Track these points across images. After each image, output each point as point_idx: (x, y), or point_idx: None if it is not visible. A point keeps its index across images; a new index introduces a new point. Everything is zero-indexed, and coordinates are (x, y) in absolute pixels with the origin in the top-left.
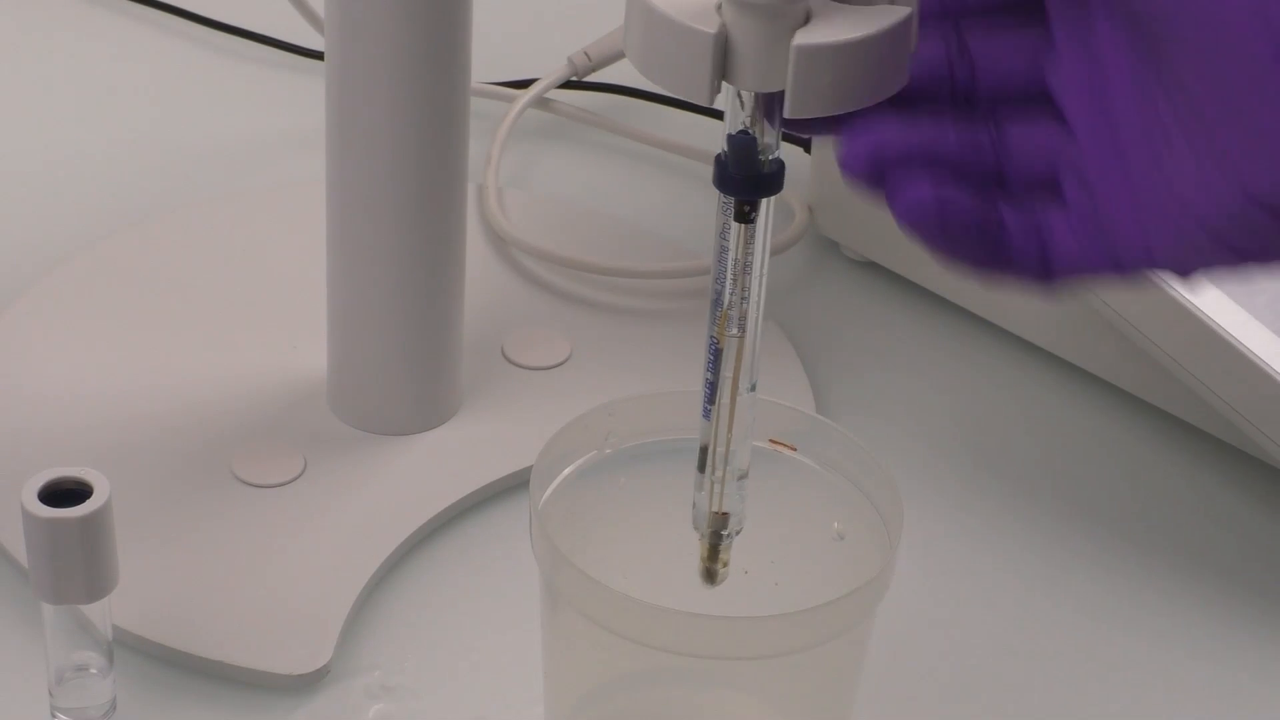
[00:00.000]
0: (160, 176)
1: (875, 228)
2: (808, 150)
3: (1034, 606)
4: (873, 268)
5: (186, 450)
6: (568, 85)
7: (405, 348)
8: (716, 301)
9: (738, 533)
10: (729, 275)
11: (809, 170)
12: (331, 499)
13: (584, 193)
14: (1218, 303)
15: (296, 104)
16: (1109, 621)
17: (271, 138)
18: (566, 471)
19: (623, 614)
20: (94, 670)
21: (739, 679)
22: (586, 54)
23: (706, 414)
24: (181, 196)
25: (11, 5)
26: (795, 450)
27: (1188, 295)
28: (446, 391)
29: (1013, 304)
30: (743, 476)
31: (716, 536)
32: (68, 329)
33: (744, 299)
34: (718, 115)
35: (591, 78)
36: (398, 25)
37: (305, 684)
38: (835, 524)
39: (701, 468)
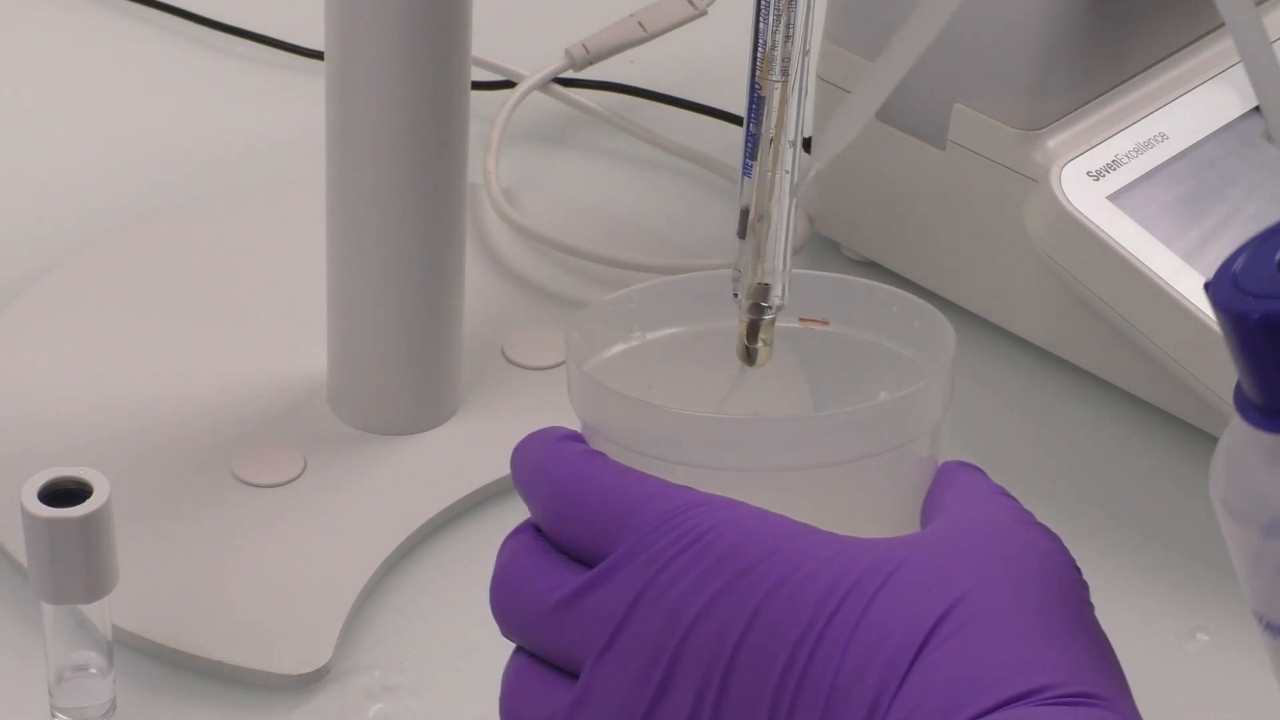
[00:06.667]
0: (160, 177)
1: (875, 228)
2: (807, 149)
3: None
4: (873, 268)
5: (186, 450)
6: (566, 81)
7: (405, 348)
8: (757, 42)
9: (780, 308)
10: (772, 8)
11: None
12: (331, 499)
13: (583, 191)
14: None
15: (296, 104)
16: (1108, 621)
17: (271, 138)
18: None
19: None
20: (94, 670)
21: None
22: (585, 46)
23: (748, 171)
24: (182, 197)
25: (11, 5)
26: (828, 325)
27: (1187, 295)
28: (446, 391)
29: (1013, 304)
30: (786, 245)
31: (757, 310)
32: (68, 329)
33: (788, 37)
34: (718, 115)
35: (591, 75)
36: (398, 25)
37: (305, 684)
38: (881, 393)
39: (742, 234)
